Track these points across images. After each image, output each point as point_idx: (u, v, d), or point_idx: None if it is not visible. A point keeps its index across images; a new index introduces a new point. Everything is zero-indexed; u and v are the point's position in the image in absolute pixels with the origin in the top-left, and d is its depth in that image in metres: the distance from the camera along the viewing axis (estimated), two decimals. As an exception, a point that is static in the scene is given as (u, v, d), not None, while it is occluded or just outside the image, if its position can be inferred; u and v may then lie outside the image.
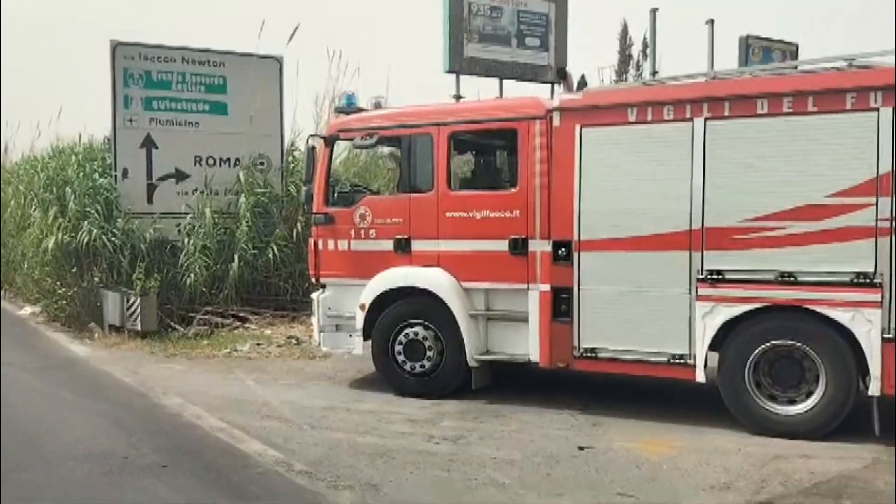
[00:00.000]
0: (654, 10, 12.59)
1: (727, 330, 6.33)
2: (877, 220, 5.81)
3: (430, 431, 6.43)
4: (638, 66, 39.10)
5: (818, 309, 6.01)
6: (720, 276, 6.31)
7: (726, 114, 6.29)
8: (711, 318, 6.33)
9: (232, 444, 6.22)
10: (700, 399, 6.78)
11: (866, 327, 5.86)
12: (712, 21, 13.20)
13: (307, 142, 8.19)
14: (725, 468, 5.56)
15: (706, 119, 6.34)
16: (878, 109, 5.82)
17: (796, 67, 6.59)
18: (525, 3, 11.44)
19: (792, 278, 6.08)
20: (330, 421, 6.81)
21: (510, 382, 7.80)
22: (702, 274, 6.35)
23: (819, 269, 6.01)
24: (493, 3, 11.12)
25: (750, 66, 6.57)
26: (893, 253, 5.78)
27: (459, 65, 10.67)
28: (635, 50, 38.89)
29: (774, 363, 6.30)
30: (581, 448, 5.94)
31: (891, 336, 5.79)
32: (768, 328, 6.24)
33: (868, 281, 5.86)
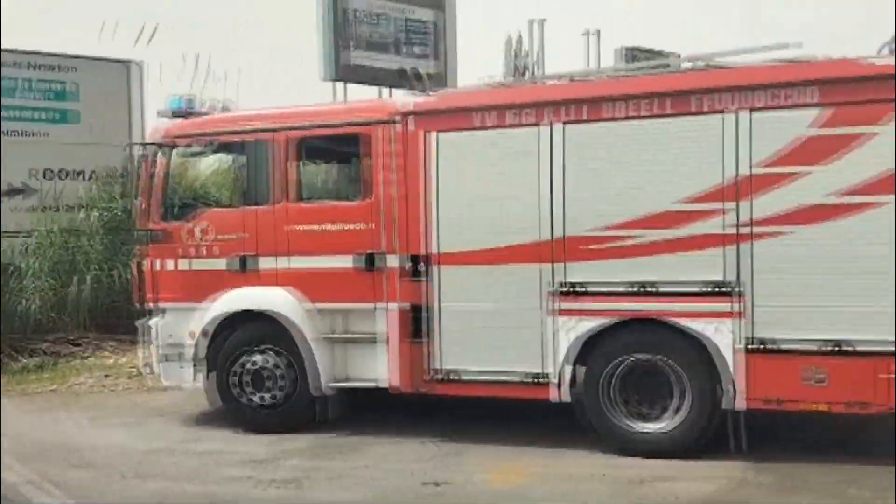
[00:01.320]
0: (541, 21, 12.50)
1: (588, 346, 6.00)
2: (738, 225, 5.60)
3: (268, 474, 5.77)
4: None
5: (677, 321, 5.76)
6: (577, 289, 5.97)
7: (581, 117, 5.98)
8: (570, 334, 5.98)
9: (32, 501, 5.39)
10: (570, 418, 6.43)
11: (726, 339, 5.63)
12: (598, 32, 13.23)
13: (134, 150, 7.40)
14: (589, 494, 5.20)
15: (563, 123, 6.01)
16: (735, 111, 5.63)
17: (653, 69, 6.35)
18: (411, 10, 11.05)
19: (650, 289, 5.81)
20: (158, 466, 6.05)
21: (378, 409, 7.23)
22: (559, 287, 6.01)
23: (677, 279, 5.75)
24: (377, 11, 10.66)
25: (610, 67, 6.26)
26: (752, 260, 5.59)
27: (338, 73, 10.12)
28: (531, 61, 39.65)
29: (640, 379, 6.00)
30: (433, 483, 5.44)
31: (753, 347, 5.60)
32: (629, 342, 5.94)
33: (727, 290, 5.64)
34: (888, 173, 5.28)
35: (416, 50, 11.06)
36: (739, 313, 5.60)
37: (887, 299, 5.28)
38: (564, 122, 5.99)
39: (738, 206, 5.58)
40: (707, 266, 5.69)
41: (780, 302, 5.52)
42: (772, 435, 6.10)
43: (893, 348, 5.25)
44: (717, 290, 5.65)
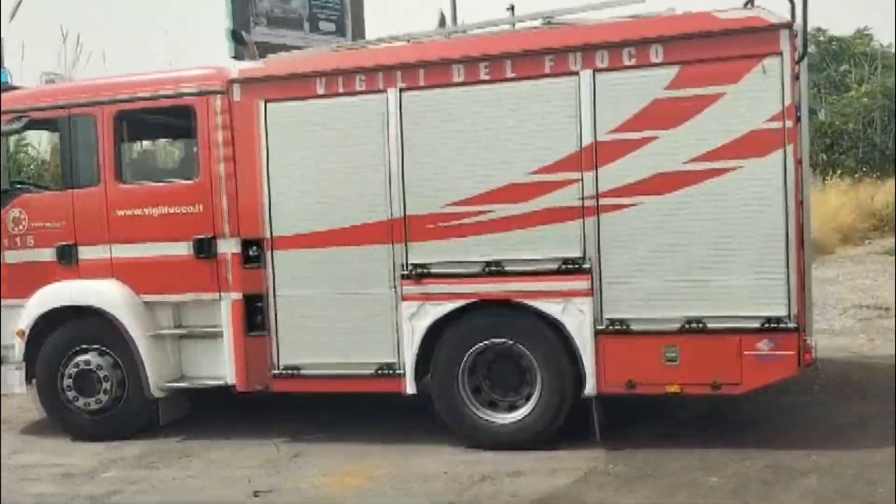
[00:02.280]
0: None
1: (438, 332, 5.60)
2: (583, 198, 5.26)
3: (80, 489, 5.22)
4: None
5: (527, 302, 5.39)
6: (425, 271, 5.55)
7: (421, 83, 5.52)
8: (419, 320, 5.56)
9: None
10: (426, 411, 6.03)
11: (577, 319, 5.30)
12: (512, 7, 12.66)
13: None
14: (428, 495, 4.83)
15: (400, 89, 5.54)
16: (578, 73, 5.25)
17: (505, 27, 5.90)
18: None
19: (499, 269, 5.42)
20: (-44, 486, 5.43)
21: (232, 409, 6.71)
22: (406, 269, 5.57)
23: (526, 257, 5.38)
24: None
25: (451, 28, 5.78)
26: (599, 234, 5.25)
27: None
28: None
29: (493, 365, 5.64)
30: (256, 494, 4.98)
31: (603, 328, 5.28)
32: (481, 326, 5.55)
33: (577, 267, 5.29)
34: (741, 136, 5.01)
35: (324, 26, 10.50)
36: (589, 292, 5.28)
37: (745, 273, 5.04)
38: (401, 89, 5.52)
39: (582, 176, 5.24)
40: (557, 242, 5.32)
41: (630, 278, 5.21)
42: (635, 420, 5.86)
43: (752, 325, 5.03)
44: (567, 267, 5.30)
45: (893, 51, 30.12)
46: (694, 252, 5.11)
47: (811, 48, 32.45)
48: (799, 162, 5.17)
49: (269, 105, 5.76)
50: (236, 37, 5.82)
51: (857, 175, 24.44)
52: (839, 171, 23.51)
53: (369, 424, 6.19)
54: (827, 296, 11.04)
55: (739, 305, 5.05)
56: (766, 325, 5.01)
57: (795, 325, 4.98)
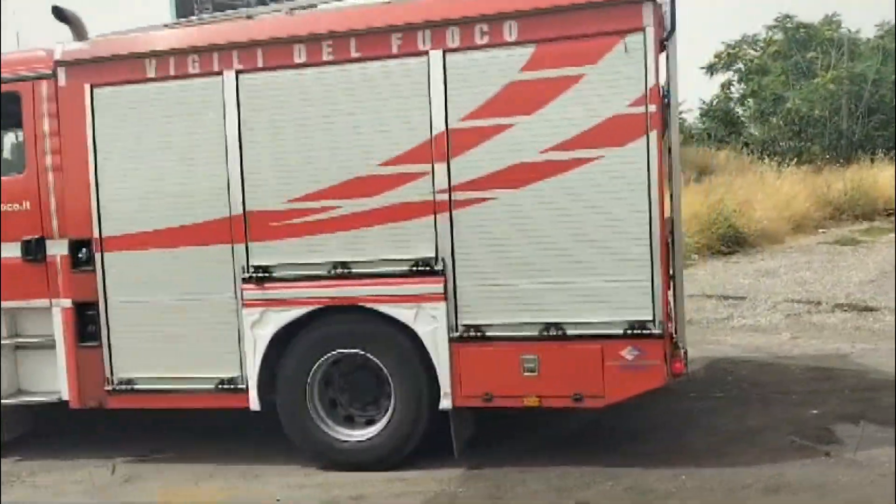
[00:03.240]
0: None
1: (284, 340, 5.14)
2: (434, 192, 4.81)
3: None
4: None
5: (378, 307, 4.95)
6: (268, 274, 5.08)
7: (260, 64, 5.03)
8: (261, 328, 5.09)
9: None
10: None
11: (431, 326, 4.86)
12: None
13: None
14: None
15: (237, 72, 5.05)
16: (427, 53, 4.79)
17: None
18: None
19: (347, 271, 4.97)
20: None
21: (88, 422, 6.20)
22: (247, 272, 5.11)
23: (376, 258, 4.93)
24: None
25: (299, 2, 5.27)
26: (452, 232, 4.81)
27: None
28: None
29: (349, 377, 5.20)
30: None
31: (457, 335, 4.84)
32: (329, 335, 5.09)
33: (429, 268, 4.85)
34: (601, 122, 4.59)
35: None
36: (442, 296, 4.84)
37: (606, 274, 4.63)
38: (238, 71, 5.03)
39: (433, 168, 4.78)
40: (408, 241, 4.87)
41: (486, 281, 4.78)
42: (505, 435, 5.45)
43: (615, 332, 4.63)
44: (418, 269, 4.86)
45: (861, 37, 30.11)
46: (552, 251, 4.68)
47: (778, 35, 32.41)
48: (668, 150, 4.77)
49: (95, 90, 5.24)
50: (58, 13, 5.31)
51: (819, 163, 24.34)
52: (795, 159, 23.29)
53: (224, 440, 5.73)
54: (760, 289, 10.74)
55: (601, 310, 4.63)
56: (630, 332, 4.59)
57: (662, 331, 4.58)
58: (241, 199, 5.06)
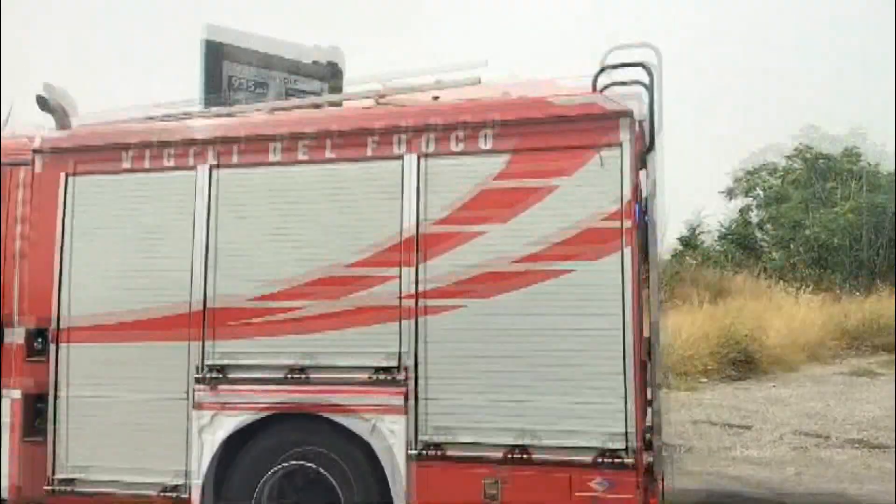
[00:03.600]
0: None
1: (236, 448, 4.85)
2: (401, 297, 4.63)
3: None
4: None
5: (333, 417, 4.67)
6: (222, 375, 4.85)
7: (234, 160, 5.00)
8: (211, 434, 4.82)
9: None
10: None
11: (388, 441, 4.56)
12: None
13: None
14: None
15: (211, 167, 5.01)
16: (402, 157, 4.73)
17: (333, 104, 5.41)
18: (294, 80, 10.17)
19: (304, 376, 4.73)
20: None
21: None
22: (201, 372, 4.88)
23: (335, 364, 4.69)
24: (258, 79, 9.66)
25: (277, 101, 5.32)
26: (416, 340, 4.58)
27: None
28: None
29: (301, 492, 4.86)
30: None
31: (417, 452, 4.52)
32: (282, 444, 4.79)
33: (390, 378, 4.60)
34: (573, 235, 4.43)
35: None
36: (403, 409, 4.56)
37: (575, 395, 4.34)
38: (212, 166, 5.00)
39: (401, 272, 4.62)
40: (370, 347, 4.64)
41: (450, 395, 4.51)
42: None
43: (584, 459, 4.29)
44: (379, 378, 4.61)
45: (881, 170, 30.29)
46: (520, 367, 4.42)
47: (797, 163, 32.81)
48: (647, 268, 4.58)
49: (70, 179, 5.23)
50: (42, 102, 5.39)
51: (838, 291, 23.94)
52: (811, 286, 22.94)
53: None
54: (767, 418, 10.23)
55: (569, 434, 4.33)
56: (600, 460, 4.26)
57: (635, 462, 4.24)
58: (203, 295, 4.92)
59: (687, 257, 30.38)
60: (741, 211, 33.05)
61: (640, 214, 4.45)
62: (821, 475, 7.63)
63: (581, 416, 4.31)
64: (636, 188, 4.41)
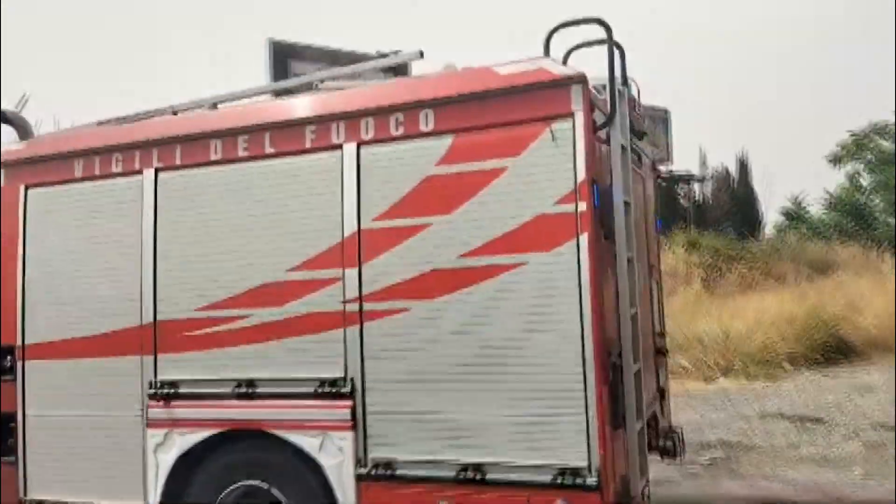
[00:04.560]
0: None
1: (187, 468, 4.59)
2: (345, 301, 4.23)
3: None
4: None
5: (282, 434, 4.33)
6: (174, 391, 4.61)
7: (178, 162, 4.73)
8: (164, 453, 4.57)
9: None
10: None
11: (336, 459, 4.18)
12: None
13: None
14: None
15: (157, 170, 4.77)
16: (341, 147, 4.32)
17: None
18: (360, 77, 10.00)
19: (253, 390, 4.42)
20: None
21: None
22: (154, 388, 4.66)
23: (282, 376, 4.35)
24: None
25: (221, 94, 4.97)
26: (361, 348, 4.18)
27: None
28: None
29: (261, 513, 4.57)
30: None
31: (365, 471, 4.12)
32: (235, 463, 4.50)
33: (335, 391, 4.22)
34: (524, 223, 3.90)
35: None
36: (350, 424, 4.17)
37: (530, 407, 3.80)
38: (157, 169, 4.76)
39: (344, 274, 4.21)
40: (316, 357, 4.28)
41: (399, 408, 4.05)
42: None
43: (542, 479, 3.76)
44: (325, 391, 4.24)
45: None
46: (472, 377, 3.95)
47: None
48: (614, 258, 3.98)
49: (29, 191, 5.12)
50: (1, 116, 5.32)
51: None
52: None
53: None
54: (846, 409, 9.21)
55: (527, 451, 3.81)
56: (561, 481, 3.73)
57: (598, 482, 3.68)
58: (153, 307, 4.70)
59: (790, 232, 28.48)
60: (850, 177, 30.70)
61: (600, 195, 3.86)
62: (889, 476, 6.71)
63: (539, 430, 3.79)
64: (593, 165, 3.83)
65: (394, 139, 4.19)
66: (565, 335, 3.76)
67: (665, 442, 5.16)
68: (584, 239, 3.75)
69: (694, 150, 31.23)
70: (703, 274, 21.64)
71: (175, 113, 5.03)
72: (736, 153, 33.00)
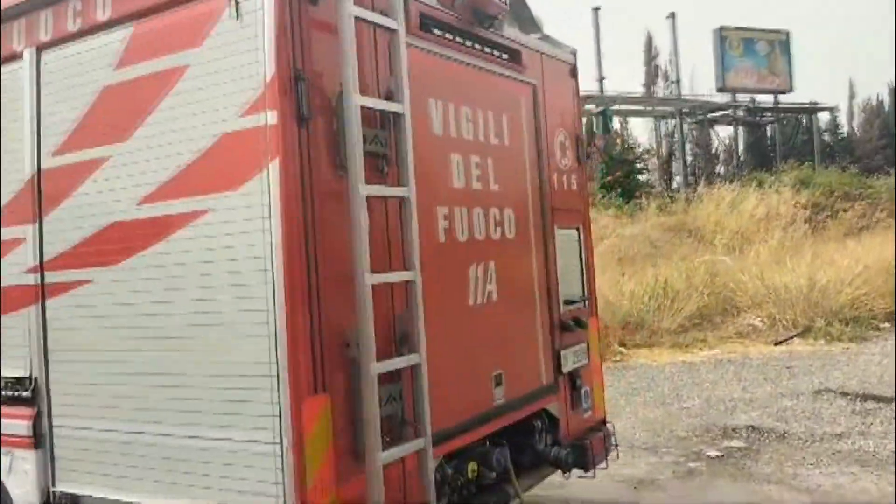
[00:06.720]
0: (672, 15, 10.78)
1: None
2: (26, 271, 3.09)
3: None
4: (666, 77, 37.58)
5: (-16, 448, 3.30)
6: None
7: None
8: None
9: None
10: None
11: (23, 486, 3.09)
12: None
13: None
14: None
15: None
16: (21, 54, 3.11)
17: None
18: None
19: (-52, 390, 3.40)
20: None
21: None
22: None
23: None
24: None
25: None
26: (44, 335, 3.03)
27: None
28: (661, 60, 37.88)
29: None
30: None
31: (56, 491, 3.01)
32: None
33: (17, 395, 3.12)
34: (208, 148, 2.57)
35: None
36: (32, 440, 3.06)
37: (233, 408, 2.56)
38: None
39: (28, 233, 3.08)
40: (6, 346, 3.21)
41: (82, 420, 2.92)
42: None
43: None
44: (8, 393, 3.13)
45: None
46: (159, 377, 2.73)
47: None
48: (328, 193, 2.60)
49: None
50: None
51: None
52: None
53: None
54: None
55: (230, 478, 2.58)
56: None
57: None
58: None
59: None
60: None
61: (309, 98, 2.48)
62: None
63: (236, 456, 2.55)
64: (289, 51, 2.45)
65: (72, 37, 2.98)
66: (250, 308, 2.45)
67: (560, 452, 3.75)
68: (275, 167, 2.41)
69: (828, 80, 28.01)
70: (809, 216, 19.06)
71: None
72: (888, 83, 29.25)
